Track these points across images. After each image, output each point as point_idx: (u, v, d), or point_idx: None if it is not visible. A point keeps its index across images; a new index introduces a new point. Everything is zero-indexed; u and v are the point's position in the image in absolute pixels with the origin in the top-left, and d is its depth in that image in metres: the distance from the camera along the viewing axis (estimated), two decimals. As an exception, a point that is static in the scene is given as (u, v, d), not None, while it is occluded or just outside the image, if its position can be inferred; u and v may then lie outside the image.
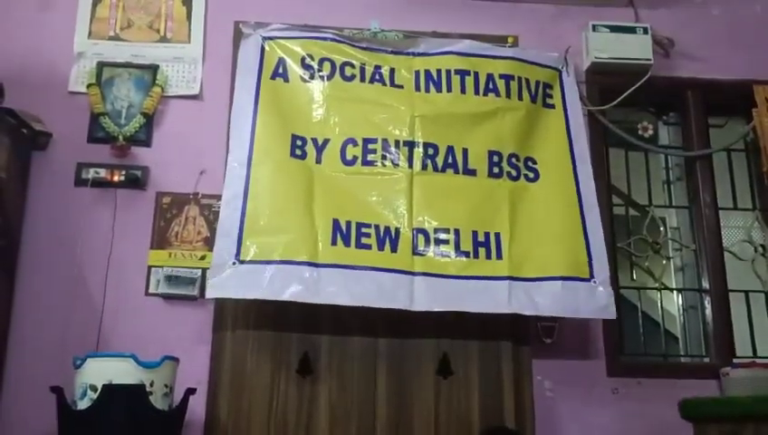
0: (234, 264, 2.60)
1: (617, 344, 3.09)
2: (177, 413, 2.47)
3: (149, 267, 2.94)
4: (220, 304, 2.87)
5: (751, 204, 3.46)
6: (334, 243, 2.67)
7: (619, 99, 3.27)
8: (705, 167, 3.37)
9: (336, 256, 2.65)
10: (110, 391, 2.29)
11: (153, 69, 3.16)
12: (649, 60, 3.29)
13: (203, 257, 2.91)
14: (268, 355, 2.83)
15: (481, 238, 2.79)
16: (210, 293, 2.61)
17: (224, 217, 2.69)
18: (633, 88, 3.27)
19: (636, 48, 3.30)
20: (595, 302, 2.79)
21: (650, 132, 3.43)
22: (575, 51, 3.29)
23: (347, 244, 2.68)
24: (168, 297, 2.91)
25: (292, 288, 2.57)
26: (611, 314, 2.81)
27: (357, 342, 2.89)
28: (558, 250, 2.84)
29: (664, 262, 3.36)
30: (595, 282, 2.81)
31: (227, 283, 2.59)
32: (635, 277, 3.36)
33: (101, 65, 3.16)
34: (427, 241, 2.75)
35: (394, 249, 2.71)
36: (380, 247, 2.70)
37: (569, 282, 2.78)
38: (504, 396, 2.89)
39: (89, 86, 3.10)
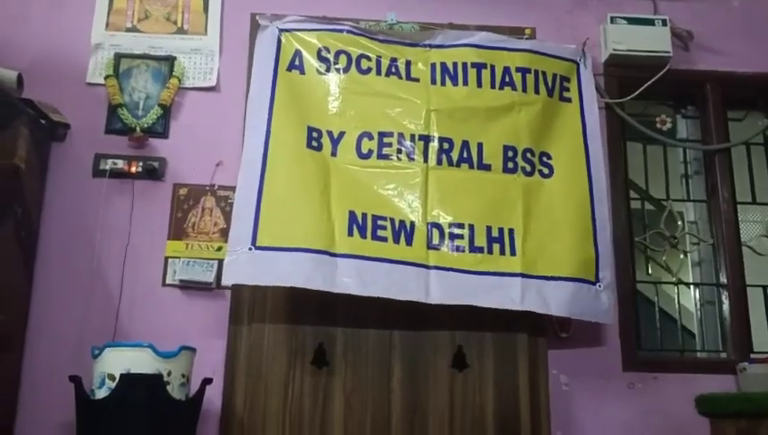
0: (250, 249, 2.61)
1: (633, 339, 3.08)
2: (194, 403, 2.49)
3: (166, 258, 2.95)
4: (236, 294, 2.88)
5: (770, 198, 3.44)
6: (350, 234, 2.67)
7: (637, 91, 3.25)
8: (724, 161, 3.34)
9: (352, 247, 2.65)
10: (127, 380, 2.32)
11: (170, 60, 3.17)
12: (668, 52, 3.26)
13: (219, 248, 2.92)
14: (284, 346, 2.84)
15: (495, 234, 2.79)
16: (227, 278, 2.63)
17: (239, 204, 2.70)
18: (651, 81, 3.24)
19: (654, 40, 3.27)
20: (598, 305, 2.81)
21: (668, 126, 3.40)
22: (593, 43, 3.26)
23: (363, 235, 2.68)
24: (184, 288, 2.93)
25: (309, 276, 2.57)
26: (610, 319, 2.86)
27: (372, 334, 2.89)
28: (569, 249, 2.83)
29: (681, 256, 3.35)
30: (600, 286, 2.83)
31: (243, 268, 2.60)
32: (651, 272, 3.34)
33: (119, 57, 3.17)
34: (442, 236, 2.75)
35: (409, 243, 2.71)
36: (396, 240, 2.70)
37: (577, 284, 2.78)
38: (520, 389, 2.88)
39: (106, 77, 3.12)
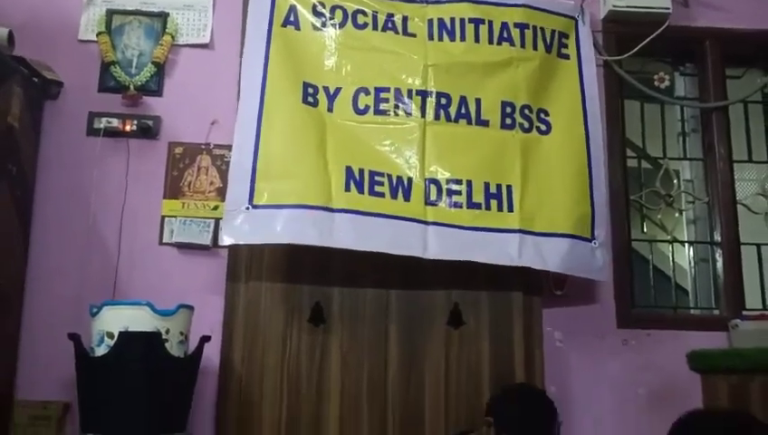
0: (247, 208, 2.60)
1: (627, 296, 3.10)
2: (193, 360, 2.51)
3: (163, 217, 2.95)
4: (233, 253, 2.88)
5: (766, 156, 3.43)
6: (348, 189, 2.66)
7: (635, 48, 3.21)
8: (721, 119, 3.33)
9: (350, 202, 2.64)
10: (126, 337, 2.33)
11: (163, 17, 3.12)
12: (668, 8, 3.22)
13: (216, 208, 2.92)
14: (281, 304, 2.86)
15: (493, 190, 2.78)
16: (225, 239, 2.62)
17: (235, 162, 2.68)
18: (650, 37, 3.21)
19: (654, -4, 3.24)
20: (593, 262, 2.84)
21: (666, 83, 3.38)
22: (592, -1, 3.23)
23: (360, 190, 2.67)
24: (181, 247, 2.93)
25: (307, 232, 2.57)
26: (605, 276, 2.89)
27: (369, 292, 2.91)
28: (566, 206, 2.84)
29: (676, 215, 3.36)
30: (595, 243, 2.85)
31: (241, 228, 2.59)
32: (646, 230, 3.35)
33: (111, 13, 3.12)
34: (440, 192, 2.74)
35: (407, 198, 2.70)
36: (393, 196, 2.70)
37: (573, 240, 2.79)
38: (515, 346, 2.91)
39: (98, 34, 3.08)
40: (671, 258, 3.35)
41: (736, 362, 2.82)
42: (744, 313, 3.11)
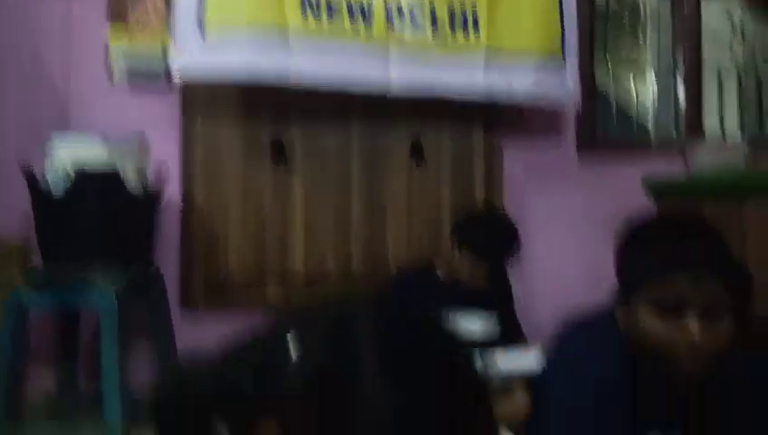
0: (198, 39, 2.45)
1: (589, 124, 3.10)
2: (152, 197, 2.49)
3: (109, 49, 2.78)
4: (187, 91, 2.76)
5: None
6: (304, 13, 2.49)
7: None
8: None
9: (307, 29, 2.50)
10: (83, 175, 2.29)
11: None
12: None
13: (164, 41, 2.76)
14: (240, 142, 2.82)
15: (458, 14, 2.66)
16: (177, 73, 2.50)
17: None
18: None
19: None
20: (562, 87, 2.78)
21: None
22: None
23: (317, 16, 2.51)
24: (132, 83, 2.80)
25: (263, 63, 2.44)
26: (575, 99, 2.83)
27: (330, 129, 2.87)
28: (535, 27, 2.74)
29: (641, 43, 3.30)
30: (564, 67, 2.77)
31: (193, 60, 2.46)
32: (610, 64, 3.31)
33: None
34: (401, 15, 2.61)
35: (367, 21, 2.57)
36: (353, 19, 2.55)
37: (541, 66, 2.72)
38: (475, 180, 2.97)
39: None
40: (633, 88, 3.32)
41: (690, 187, 2.87)
42: (702, 140, 3.14)
